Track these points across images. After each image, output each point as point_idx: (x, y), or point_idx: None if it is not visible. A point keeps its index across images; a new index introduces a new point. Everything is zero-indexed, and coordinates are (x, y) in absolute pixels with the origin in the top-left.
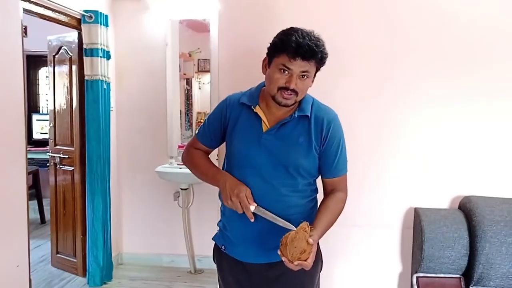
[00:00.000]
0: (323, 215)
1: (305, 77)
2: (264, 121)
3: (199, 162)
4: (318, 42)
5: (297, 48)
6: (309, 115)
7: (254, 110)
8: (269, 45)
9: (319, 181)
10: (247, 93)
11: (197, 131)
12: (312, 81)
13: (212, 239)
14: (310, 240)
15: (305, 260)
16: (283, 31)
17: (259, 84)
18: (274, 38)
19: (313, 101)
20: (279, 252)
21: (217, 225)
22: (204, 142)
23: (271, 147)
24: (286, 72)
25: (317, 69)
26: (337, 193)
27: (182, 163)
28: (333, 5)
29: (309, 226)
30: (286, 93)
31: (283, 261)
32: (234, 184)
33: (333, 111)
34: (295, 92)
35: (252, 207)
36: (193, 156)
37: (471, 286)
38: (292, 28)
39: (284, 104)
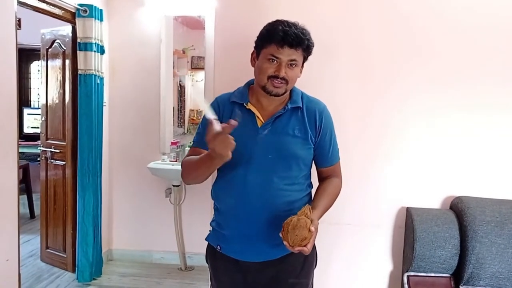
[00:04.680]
0: (321, 198)
1: (294, 65)
2: (258, 117)
3: (192, 160)
4: (304, 31)
5: (284, 36)
6: (301, 106)
7: (247, 107)
8: (256, 38)
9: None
10: (235, 92)
11: (191, 143)
12: (301, 71)
13: (206, 239)
14: (312, 228)
15: (305, 246)
16: (269, 23)
17: (247, 82)
18: (261, 30)
19: (302, 94)
20: (280, 235)
21: (210, 224)
22: (205, 147)
23: (269, 141)
24: (275, 62)
25: (305, 59)
26: (333, 178)
27: (174, 160)
28: (333, 4)
29: (311, 210)
30: (276, 81)
31: (284, 244)
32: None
33: (322, 102)
34: (285, 80)
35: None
36: (187, 160)
37: (461, 286)
38: (277, 20)
39: (275, 93)
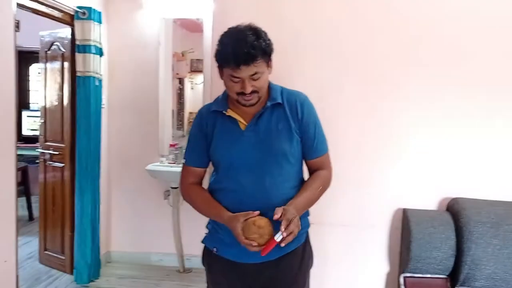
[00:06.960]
0: (301, 190)
1: (257, 76)
2: (240, 121)
3: (198, 201)
4: (255, 43)
5: (235, 58)
6: (281, 102)
7: (227, 114)
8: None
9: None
10: (215, 101)
11: (183, 161)
12: (270, 69)
13: (202, 242)
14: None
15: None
16: (220, 39)
17: (225, 90)
18: (216, 48)
19: (281, 89)
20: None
21: (206, 227)
22: (196, 164)
23: (255, 141)
24: (238, 80)
25: (268, 60)
26: (319, 171)
27: (173, 162)
28: (330, 5)
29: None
30: (246, 96)
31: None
32: (229, 222)
33: (303, 93)
34: (254, 91)
35: None
36: (191, 196)
37: (457, 287)
38: (227, 34)
39: (249, 105)
